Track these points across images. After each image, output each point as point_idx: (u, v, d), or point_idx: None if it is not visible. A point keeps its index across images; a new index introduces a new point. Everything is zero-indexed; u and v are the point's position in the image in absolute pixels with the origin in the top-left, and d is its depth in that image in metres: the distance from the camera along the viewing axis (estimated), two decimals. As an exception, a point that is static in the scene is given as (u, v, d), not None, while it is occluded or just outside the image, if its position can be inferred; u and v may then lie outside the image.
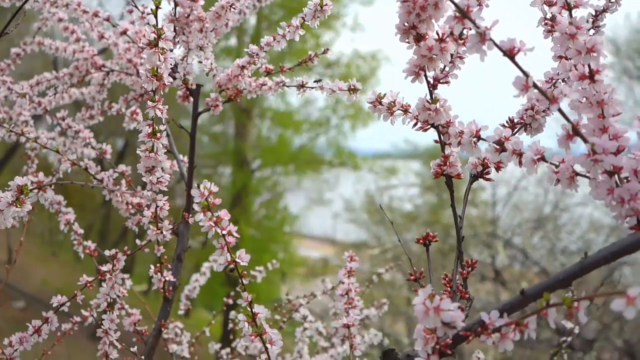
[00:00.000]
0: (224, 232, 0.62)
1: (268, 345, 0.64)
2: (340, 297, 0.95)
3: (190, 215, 0.98)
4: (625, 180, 0.52)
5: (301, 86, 0.96)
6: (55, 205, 1.13)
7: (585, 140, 0.51)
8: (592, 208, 7.08)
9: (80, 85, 1.37)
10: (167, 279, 0.98)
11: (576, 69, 0.55)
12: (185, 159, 1.12)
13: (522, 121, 0.68)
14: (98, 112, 1.20)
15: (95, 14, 1.11)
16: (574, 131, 0.52)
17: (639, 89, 8.88)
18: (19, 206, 0.68)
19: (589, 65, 0.54)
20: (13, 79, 1.21)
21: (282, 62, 1.04)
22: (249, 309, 0.65)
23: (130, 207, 1.03)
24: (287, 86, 0.97)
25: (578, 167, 0.55)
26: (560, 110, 0.51)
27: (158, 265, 0.97)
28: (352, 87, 0.84)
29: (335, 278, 1.53)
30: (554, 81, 0.69)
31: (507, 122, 0.69)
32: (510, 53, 0.51)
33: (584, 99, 0.54)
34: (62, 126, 1.15)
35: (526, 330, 0.51)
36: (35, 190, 0.67)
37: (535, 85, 0.51)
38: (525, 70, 0.51)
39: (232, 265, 0.64)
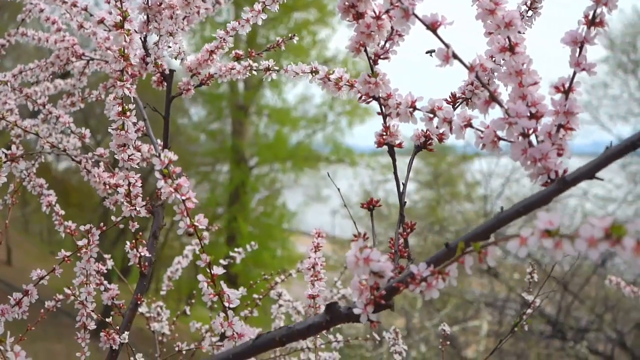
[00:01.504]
0: (184, 197, 0.68)
1: (226, 304, 0.70)
2: (307, 270, 1.00)
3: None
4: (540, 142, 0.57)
5: (267, 69, 1.01)
6: (37, 188, 1.18)
7: (501, 106, 0.56)
8: (580, 200, 7.14)
9: (65, 77, 1.42)
10: (142, 254, 1.03)
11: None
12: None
13: (463, 95, 0.73)
14: (79, 99, 1.25)
15: (74, 4, 1.15)
16: (491, 97, 0.57)
17: (633, 83, 8.92)
18: (-7, 178, 0.73)
19: (508, 38, 0.59)
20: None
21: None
22: (208, 270, 0.70)
23: (107, 187, 1.08)
24: (255, 70, 1.02)
25: (500, 133, 0.60)
26: (478, 79, 0.56)
27: (134, 241, 1.02)
28: (314, 69, 0.89)
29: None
30: (493, 58, 0.74)
31: (449, 96, 0.74)
32: (432, 27, 0.56)
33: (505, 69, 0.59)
34: (43, 113, 1.20)
35: (448, 278, 0.56)
36: (9, 162, 0.72)
37: (454, 56, 0.56)
38: (447, 42, 0.56)
39: (191, 229, 0.69)
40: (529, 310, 1.17)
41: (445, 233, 7.25)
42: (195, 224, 0.69)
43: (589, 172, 0.52)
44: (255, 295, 1.36)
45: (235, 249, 1.47)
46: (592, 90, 8.86)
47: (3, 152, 0.71)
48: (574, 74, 0.57)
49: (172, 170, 0.68)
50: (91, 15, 1.16)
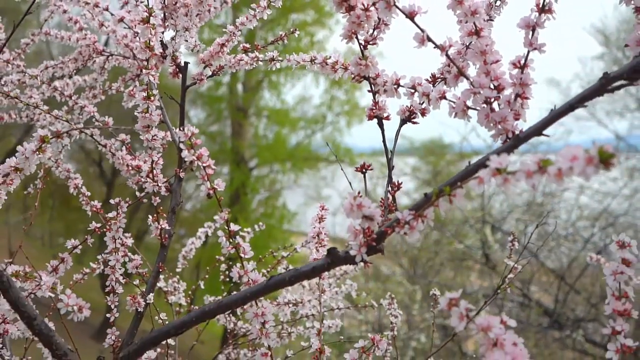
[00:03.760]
0: (205, 165, 0.80)
1: (242, 255, 0.82)
2: (312, 238, 1.12)
3: (182, 171, 1.15)
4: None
5: (272, 59, 1.13)
6: (65, 172, 1.31)
7: (467, 79, 0.69)
8: (574, 193, 7.26)
9: (83, 73, 1.55)
10: (163, 227, 1.15)
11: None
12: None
13: (441, 75, 0.86)
14: (100, 92, 1.38)
15: (96, 5, 1.28)
16: (459, 72, 0.69)
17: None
18: (40, 153, 0.85)
19: (474, 24, 0.71)
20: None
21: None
22: (226, 227, 0.83)
23: (130, 168, 1.21)
24: (261, 61, 1.15)
25: (469, 103, 0.73)
26: (448, 57, 0.69)
27: (155, 215, 1.14)
28: (312, 58, 1.02)
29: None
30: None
31: (430, 76, 0.87)
32: (411, 15, 0.69)
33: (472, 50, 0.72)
34: (69, 104, 1.33)
35: (426, 220, 0.68)
36: (54, 138, 0.85)
37: (428, 39, 0.68)
38: (422, 28, 0.68)
39: (211, 192, 0.81)
40: (511, 275, 1.30)
41: (445, 231, 7.38)
42: (215, 186, 0.81)
43: (537, 130, 0.65)
44: (263, 270, 1.48)
45: (244, 229, 1.60)
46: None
47: (49, 130, 0.83)
48: (528, 52, 0.70)
49: (194, 142, 0.81)
50: (112, 14, 1.28)
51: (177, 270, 1.60)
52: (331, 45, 12.29)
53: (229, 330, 1.60)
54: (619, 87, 0.64)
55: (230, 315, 1.57)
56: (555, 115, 0.64)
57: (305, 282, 1.57)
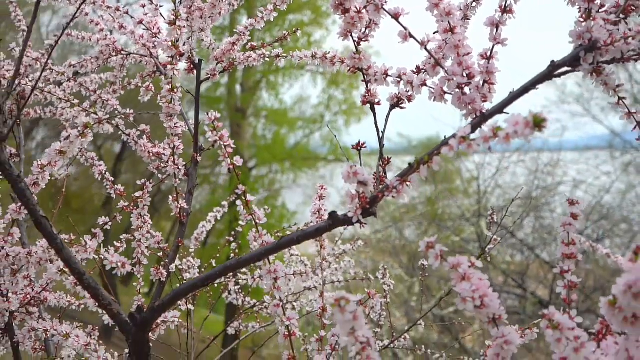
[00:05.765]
0: (226, 144, 0.95)
1: (257, 220, 0.97)
2: (312, 214, 1.27)
3: (199, 155, 1.29)
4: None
5: (277, 56, 1.28)
6: (90, 160, 1.45)
7: (443, 68, 0.84)
8: (570, 187, 7.42)
9: (99, 71, 1.69)
10: (182, 206, 1.30)
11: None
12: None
13: (424, 67, 1.00)
14: (120, 87, 1.52)
15: (117, 9, 1.42)
16: (436, 63, 0.84)
17: (624, 75, 9.20)
18: (83, 137, 1.00)
19: (449, 23, 0.86)
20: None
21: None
22: (244, 198, 0.97)
23: (150, 155, 1.35)
24: (267, 57, 1.30)
25: (445, 88, 0.87)
26: (427, 50, 0.84)
27: (175, 195, 1.29)
28: (313, 54, 1.16)
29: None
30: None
31: (415, 68, 1.01)
32: (395, 16, 0.83)
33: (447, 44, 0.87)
34: (93, 98, 1.47)
35: (409, 184, 0.82)
36: (96, 124, 0.99)
37: (410, 35, 0.83)
38: (405, 26, 0.83)
39: (231, 167, 0.96)
40: (491, 246, 1.44)
41: (444, 229, 7.54)
42: (234, 162, 0.96)
43: (499, 109, 0.79)
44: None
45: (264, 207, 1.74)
46: (583, 83, 9.15)
47: (92, 117, 0.98)
48: (493, 46, 0.85)
49: (217, 125, 0.95)
50: (132, 17, 1.43)
51: (190, 250, 1.74)
52: (328, 45, 12.43)
53: (239, 307, 1.75)
54: (564, 73, 0.79)
55: (241, 291, 1.72)
56: (513, 97, 0.79)
57: (307, 262, 1.73)
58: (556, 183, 7.27)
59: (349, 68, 0.95)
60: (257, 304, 1.66)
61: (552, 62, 0.78)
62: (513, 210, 7.65)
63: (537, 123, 0.59)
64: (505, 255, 6.59)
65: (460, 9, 0.96)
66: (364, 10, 0.89)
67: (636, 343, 0.60)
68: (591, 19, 0.77)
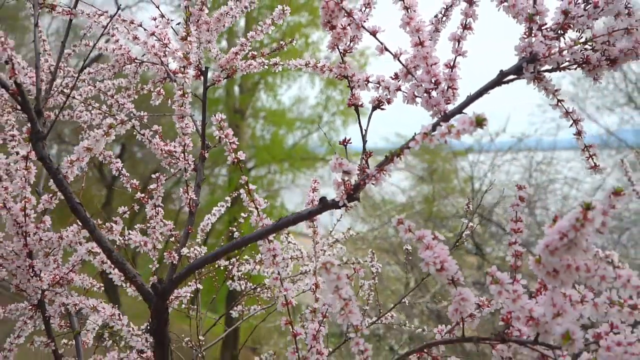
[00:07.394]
0: (230, 140, 1.11)
1: (258, 205, 1.13)
2: (306, 205, 1.43)
3: (206, 152, 1.46)
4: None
5: (275, 64, 1.45)
6: (107, 158, 1.62)
7: (413, 76, 1.00)
8: (561, 185, 7.59)
9: (114, 78, 1.86)
10: (191, 197, 1.46)
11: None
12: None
13: (399, 75, 1.17)
14: (134, 92, 1.69)
15: (132, 22, 1.59)
16: (407, 72, 1.01)
17: (618, 74, 9.36)
18: (107, 136, 1.16)
19: (419, 37, 1.03)
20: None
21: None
22: (247, 187, 1.14)
23: (162, 152, 1.52)
24: (267, 65, 1.46)
25: (416, 92, 1.04)
26: (399, 61, 1.00)
27: (185, 187, 1.45)
28: (307, 62, 1.33)
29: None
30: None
31: (393, 74, 1.18)
32: (373, 33, 1.00)
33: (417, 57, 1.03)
34: (110, 101, 1.64)
35: (385, 174, 0.99)
36: (120, 124, 1.16)
37: (386, 49, 1.00)
38: (381, 41, 1.00)
39: (235, 160, 1.12)
40: (467, 232, 1.61)
41: (441, 228, 7.70)
42: (238, 156, 1.12)
43: (458, 110, 0.96)
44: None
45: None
46: (578, 83, 9.32)
47: (115, 118, 1.14)
48: (455, 57, 1.01)
49: (223, 125, 1.12)
50: (145, 29, 1.59)
51: (197, 240, 1.91)
52: (325, 46, 12.57)
53: (241, 292, 1.91)
54: (512, 80, 0.95)
55: (244, 277, 1.89)
56: (469, 100, 0.96)
57: (303, 250, 1.89)
58: (548, 180, 7.45)
59: (336, 75, 1.12)
60: (258, 286, 1.82)
61: (501, 71, 0.94)
62: (507, 207, 7.83)
63: (479, 122, 0.76)
64: (498, 251, 6.76)
65: (432, 23, 1.13)
66: (348, 28, 1.06)
67: (559, 292, 0.77)
68: (532, 35, 0.93)
